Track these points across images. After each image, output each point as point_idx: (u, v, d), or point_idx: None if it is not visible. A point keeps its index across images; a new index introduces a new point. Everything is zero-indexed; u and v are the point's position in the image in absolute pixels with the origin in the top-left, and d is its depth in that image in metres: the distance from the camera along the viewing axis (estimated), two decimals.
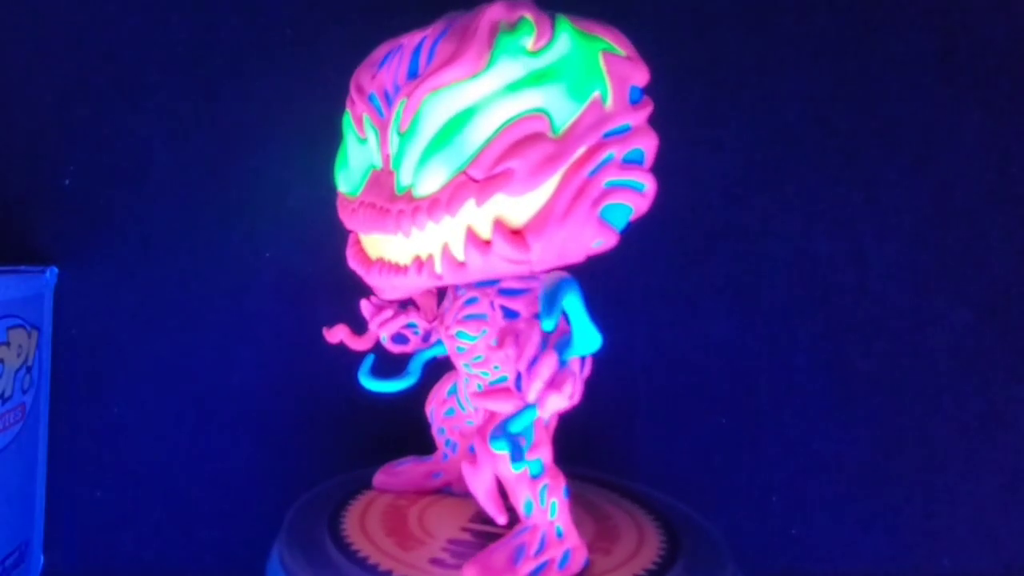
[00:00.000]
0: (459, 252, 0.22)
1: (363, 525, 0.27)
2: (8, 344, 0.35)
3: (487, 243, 0.22)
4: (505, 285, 0.25)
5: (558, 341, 0.22)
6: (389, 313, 0.27)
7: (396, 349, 0.28)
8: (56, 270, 0.39)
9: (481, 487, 0.24)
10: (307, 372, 0.39)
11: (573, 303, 0.21)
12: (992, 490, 0.38)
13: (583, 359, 0.23)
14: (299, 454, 0.39)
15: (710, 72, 0.38)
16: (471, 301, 0.25)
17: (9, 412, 0.35)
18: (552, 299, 0.21)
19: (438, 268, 0.23)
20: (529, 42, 0.22)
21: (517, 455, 0.22)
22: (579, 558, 0.24)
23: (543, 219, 0.22)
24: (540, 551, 0.23)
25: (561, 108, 0.22)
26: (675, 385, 0.39)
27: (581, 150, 0.22)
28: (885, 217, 0.38)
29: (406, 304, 0.28)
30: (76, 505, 0.39)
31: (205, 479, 0.39)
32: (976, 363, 0.38)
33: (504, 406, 0.22)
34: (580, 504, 0.29)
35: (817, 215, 0.38)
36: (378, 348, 0.28)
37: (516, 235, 0.22)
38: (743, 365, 0.39)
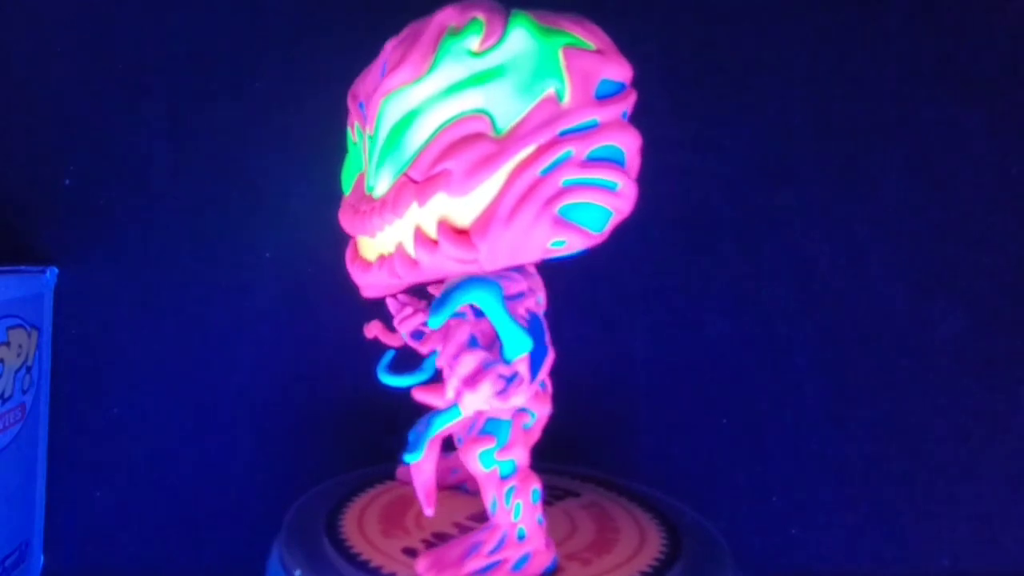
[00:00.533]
0: (412, 251, 0.23)
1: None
2: (8, 344, 0.35)
3: (435, 242, 0.22)
4: None
5: (493, 343, 0.22)
6: (409, 310, 0.27)
7: (415, 345, 0.28)
8: (56, 270, 0.39)
9: (419, 477, 0.25)
10: (307, 372, 0.39)
11: (488, 307, 0.21)
12: (992, 490, 0.38)
13: (535, 363, 0.23)
14: (299, 454, 0.39)
15: (710, 72, 0.38)
16: None
17: (9, 412, 0.35)
18: (444, 298, 0.21)
19: (396, 266, 0.23)
20: (475, 43, 0.22)
21: (411, 447, 0.22)
22: (540, 562, 0.23)
23: (487, 219, 0.22)
24: (495, 550, 0.23)
25: (505, 107, 0.22)
26: (675, 385, 0.39)
27: (529, 149, 0.22)
28: (885, 217, 0.38)
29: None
30: (76, 505, 0.39)
31: (205, 479, 0.39)
32: (976, 363, 0.38)
33: (437, 403, 0.23)
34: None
35: (817, 215, 0.38)
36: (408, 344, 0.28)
37: (461, 235, 0.22)
38: (743, 365, 0.39)
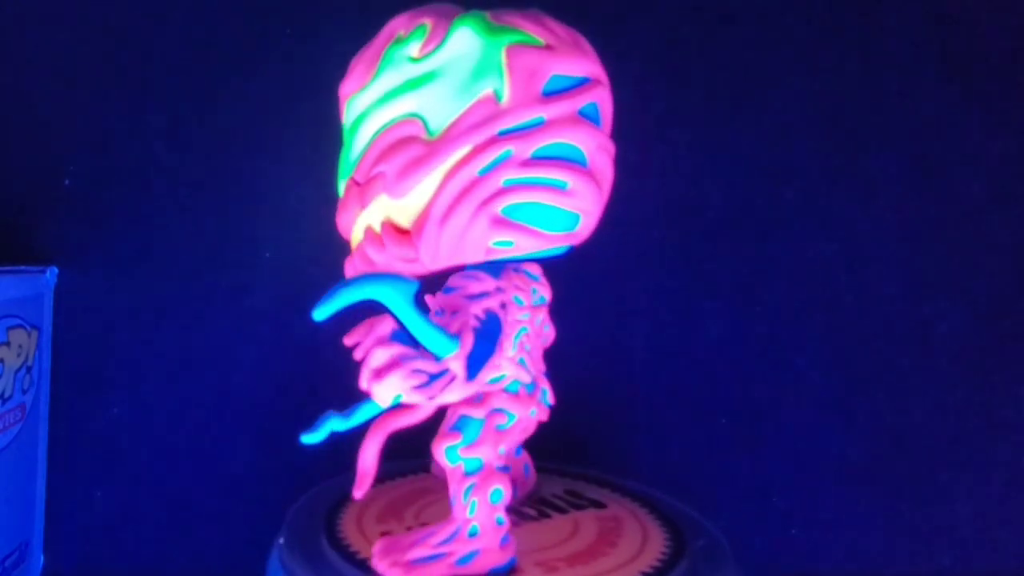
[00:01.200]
0: (367, 250, 0.24)
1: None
2: (8, 344, 0.35)
3: (383, 242, 0.23)
4: (449, 283, 0.25)
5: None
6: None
7: None
8: (56, 270, 0.39)
9: (362, 460, 0.26)
10: (307, 372, 0.39)
11: (391, 304, 0.21)
12: (992, 490, 0.38)
13: (475, 362, 0.23)
14: (299, 454, 0.39)
15: (710, 72, 0.38)
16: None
17: (9, 412, 0.35)
18: (331, 292, 0.21)
19: (357, 263, 0.25)
20: (416, 48, 0.23)
21: (313, 429, 0.23)
22: (489, 561, 0.23)
23: (423, 219, 0.23)
24: (445, 542, 0.23)
25: (439, 110, 0.22)
26: (675, 385, 0.39)
27: (464, 149, 0.22)
28: (885, 217, 0.38)
29: None
30: (76, 505, 0.39)
31: (205, 479, 0.39)
32: (976, 363, 0.38)
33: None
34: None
35: (817, 215, 0.38)
36: None
37: (403, 234, 0.23)
38: (743, 365, 0.39)
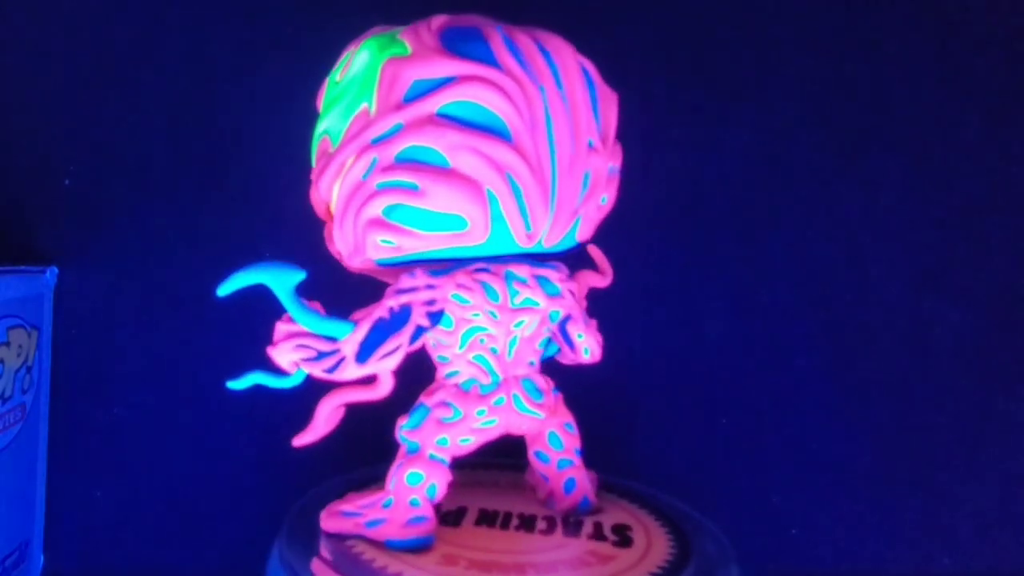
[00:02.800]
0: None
1: None
2: (8, 344, 0.35)
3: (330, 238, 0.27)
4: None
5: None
6: None
7: None
8: (56, 270, 0.39)
9: (317, 423, 0.28)
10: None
11: (274, 288, 0.25)
12: (992, 490, 0.38)
13: (366, 349, 0.25)
14: (299, 454, 0.39)
15: (710, 72, 0.38)
16: None
17: (9, 412, 0.35)
18: (233, 274, 0.24)
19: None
20: (339, 74, 0.26)
21: (238, 378, 0.26)
22: (389, 532, 0.25)
23: (330, 221, 0.27)
24: (365, 506, 0.26)
25: (338, 126, 0.25)
26: (675, 385, 0.39)
27: (349, 159, 0.24)
28: (885, 217, 0.38)
29: None
30: (76, 505, 0.39)
31: (205, 479, 0.39)
32: (976, 363, 0.38)
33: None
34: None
35: (817, 215, 0.38)
36: None
37: (331, 236, 0.27)
38: (743, 365, 0.39)
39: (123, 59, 0.39)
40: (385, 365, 0.25)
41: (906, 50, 0.38)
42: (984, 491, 0.38)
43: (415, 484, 0.26)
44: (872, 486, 0.39)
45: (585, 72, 0.26)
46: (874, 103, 0.38)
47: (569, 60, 0.25)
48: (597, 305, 0.39)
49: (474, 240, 0.24)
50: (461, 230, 0.24)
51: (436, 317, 0.26)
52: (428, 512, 0.26)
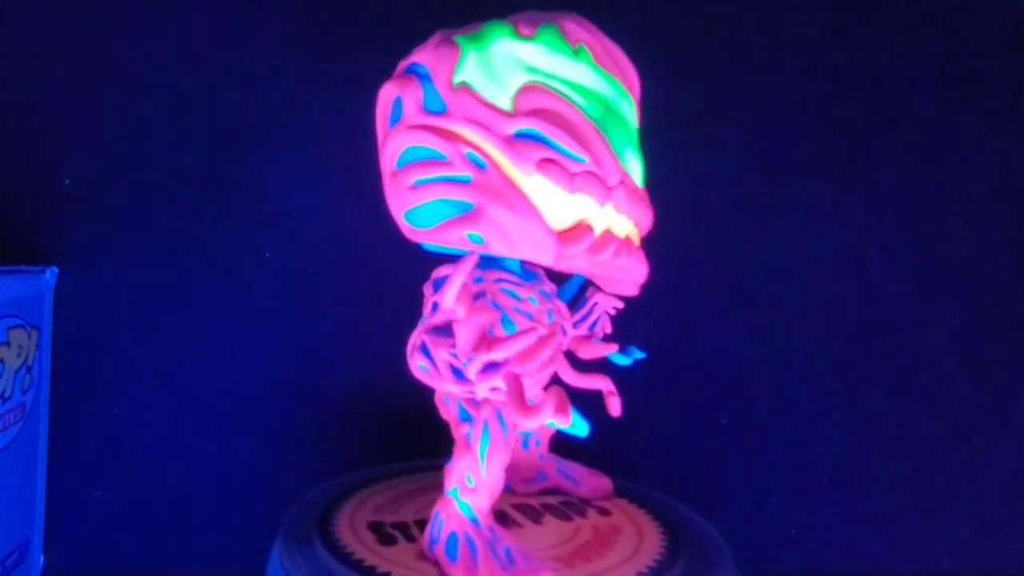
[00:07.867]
0: None
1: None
2: (8, 344, 0.35)
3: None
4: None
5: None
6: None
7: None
8: (56, 270, 0.39)
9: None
10: (307, 372, 0.39)
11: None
12: (992, 490, 0.38)
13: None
14: (299, 454, 0.39)
15: (710, 72, 0.38)
16: None
17: (9, 412, 0.35)
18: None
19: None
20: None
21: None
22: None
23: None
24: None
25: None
26: (675, 385, 0.39)
27: None
28: (885, 217, 0.38)
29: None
30: (76, 505, 0.39)
31: (205, 479, 0.39)
32: (976, 363, 0.38)
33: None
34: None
35: (817, 215, 0.38)
36: None
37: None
38: (743, 365, 0.39)
39: (123, 60, 0.39)
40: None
41: (906, 50, 0.38)
42: (984, 492, 0.38)
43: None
44: (872, 486, 0.39)
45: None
46: (874, 103, 0.38)
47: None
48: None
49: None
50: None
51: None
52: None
